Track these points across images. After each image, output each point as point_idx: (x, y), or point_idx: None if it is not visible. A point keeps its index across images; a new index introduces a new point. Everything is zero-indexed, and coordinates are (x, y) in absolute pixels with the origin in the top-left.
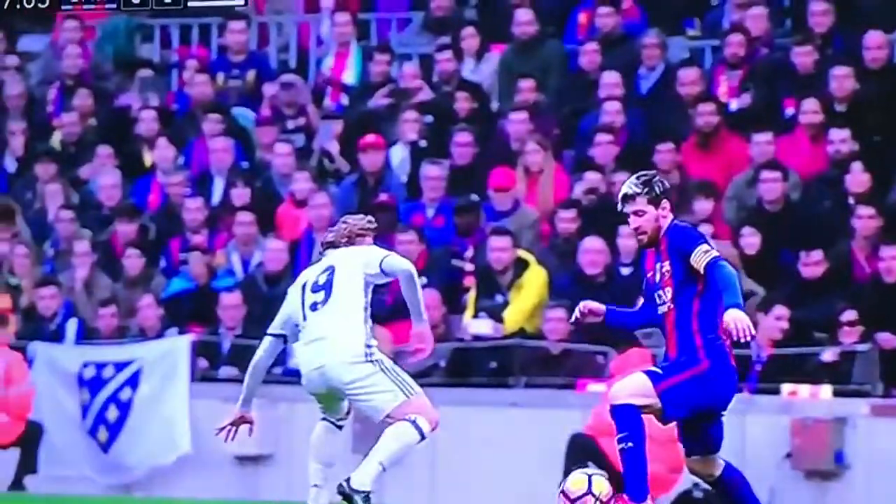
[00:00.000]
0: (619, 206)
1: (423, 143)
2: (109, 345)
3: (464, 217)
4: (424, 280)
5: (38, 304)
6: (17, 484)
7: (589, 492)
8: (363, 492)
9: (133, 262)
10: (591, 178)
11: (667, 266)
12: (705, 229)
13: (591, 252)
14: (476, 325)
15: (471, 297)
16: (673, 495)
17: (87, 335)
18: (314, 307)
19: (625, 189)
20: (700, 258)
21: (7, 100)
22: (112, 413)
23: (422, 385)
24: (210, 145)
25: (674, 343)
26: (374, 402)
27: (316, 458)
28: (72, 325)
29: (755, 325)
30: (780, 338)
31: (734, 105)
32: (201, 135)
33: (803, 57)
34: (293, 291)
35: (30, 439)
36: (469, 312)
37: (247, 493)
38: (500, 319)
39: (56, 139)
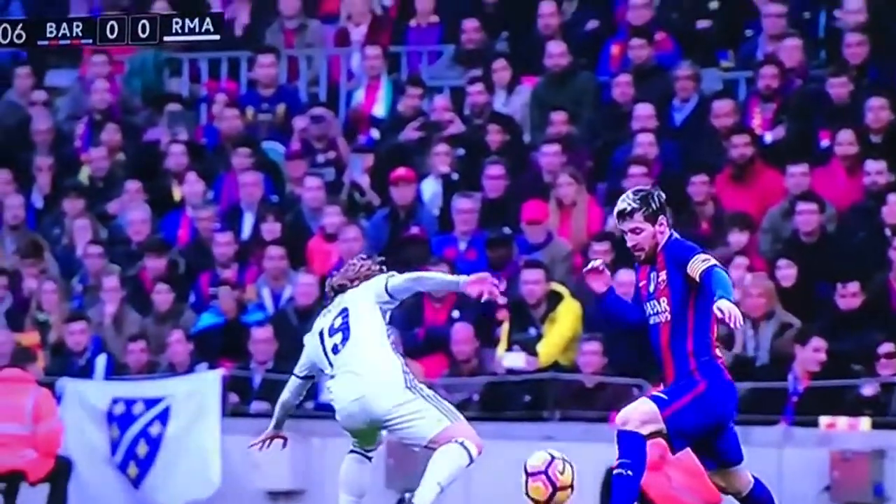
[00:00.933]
0: (616, 223)
1: (454, 176)
2: (139, 380)
3: (496, 250)
4: (457, 313)
5: (68, 340)
6: None
7: (545, 471)
8: None
9: (162, 297)
10: None
11: (663, 276)
12: (740, 262)
13: (625, 285)
14: (510, 359)
15: (504, 330)
16: None
17: (116, 371)
18: (336, 350)
19: (621, 205)
20: (696, 265)
21: (35, 135)
22: (142, 449)
23: None
24: (240, 179)
25: (669, 365)
26: (416, 428)
27: (347, 490)
28: (101, 361)
29: (793, 357)
30: (817, 370)
31: (769, 137)
32: (231, 169)
33: (838, 88)
34: (310, 340)
35: (59, 475)
36: (502, 346)
37: None
38: (533, 353)
39: (84, 174)
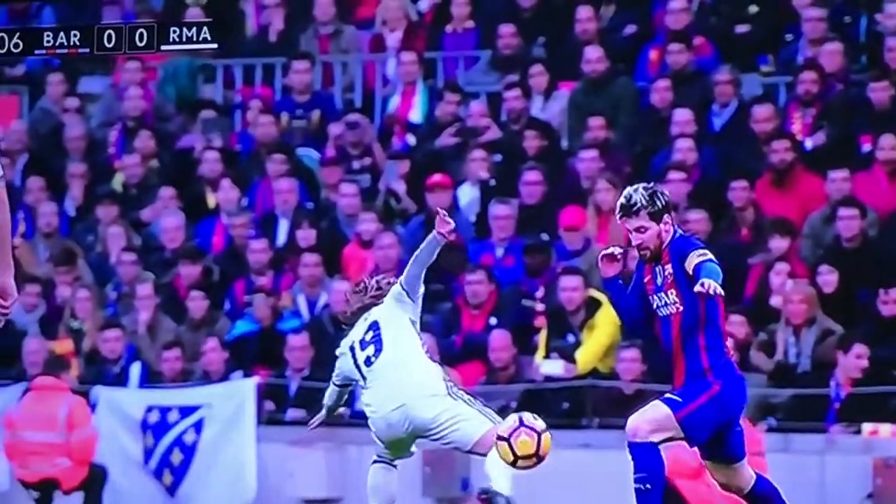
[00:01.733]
0: (618, 216)
1: (491, 182)
2: (174, 388)
3: (534, 256)
4: (494, 320)
5: (102, 348)
6: None
7: (521, 425)
8: (506, 495)
9: (197, 304)
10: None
11: (669, 269)
12: (781, 268)
13: None
14: (547, 366)
15: (542, 337)
16: None
17: (150, 379)
18: (368, 362)
19: (623, 200)
20: (692, 260)
21: (68, 142)
22: (176, 457)
23: None
24: (274, 186)
25: (680, 359)
26: (461, 432)
27: (377, 499)
28: (135, 369)
29: (835, 364)
30: (859, 376)
31: (809, 143)
32: (265, 175)
33: (879, 92)
34: (342, 355)
35: (93, 484)
36: (540, 353)
37: None
38: (571, 360)
39: (118, 181)
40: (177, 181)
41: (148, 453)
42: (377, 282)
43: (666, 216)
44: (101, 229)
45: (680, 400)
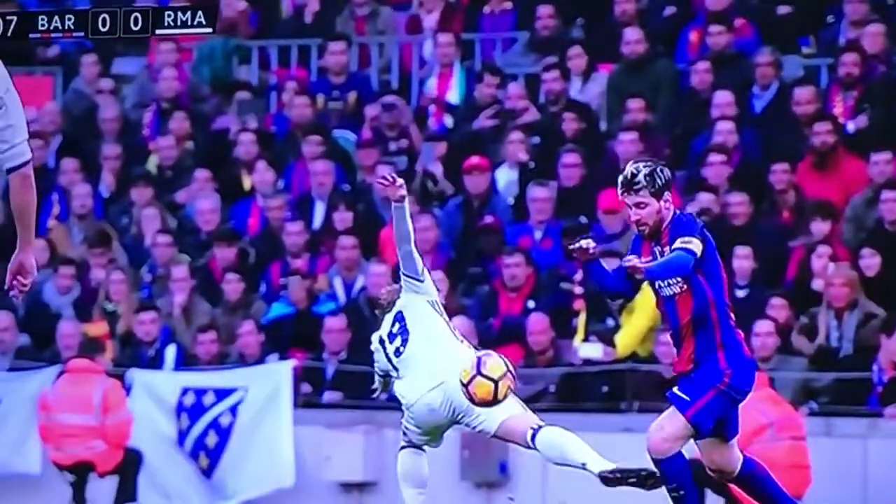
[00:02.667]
0: (619, 191)
1: (530, 165)
2: (209, 371)
3: (572, 239)
4: (532, 304)
5: (137, 330)
6: None
7: (479, 373)
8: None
9: (232, 287)
10: (704, 198)
11: (668, 250)
12: (823, 251)
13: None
14: (586, 350)
15: (581, 320)
16: None
17: (186, 362)
18: (398, 353)
19: (625, 175)
20: (677, 243)
21: (102, 123)
22: (212, 439)
23: (531, 410)
24: (310, 168)
25: (690, 337)
26: (495, 412)
27: (410, 483)
28: (171, 352)
29: (878, 347)
30: None
31: (851, 126)
32: (301, 157)
33: None
34: (376, 351)
35: (128, 467)
36: (579, 336)
37: None
38: (611, 343)
39: (152, 163)
40: (212, 163)
41: (182, 435)
42: (397, 286)
43: (667, 194)
44: (136, 211)
45: (688, 399)
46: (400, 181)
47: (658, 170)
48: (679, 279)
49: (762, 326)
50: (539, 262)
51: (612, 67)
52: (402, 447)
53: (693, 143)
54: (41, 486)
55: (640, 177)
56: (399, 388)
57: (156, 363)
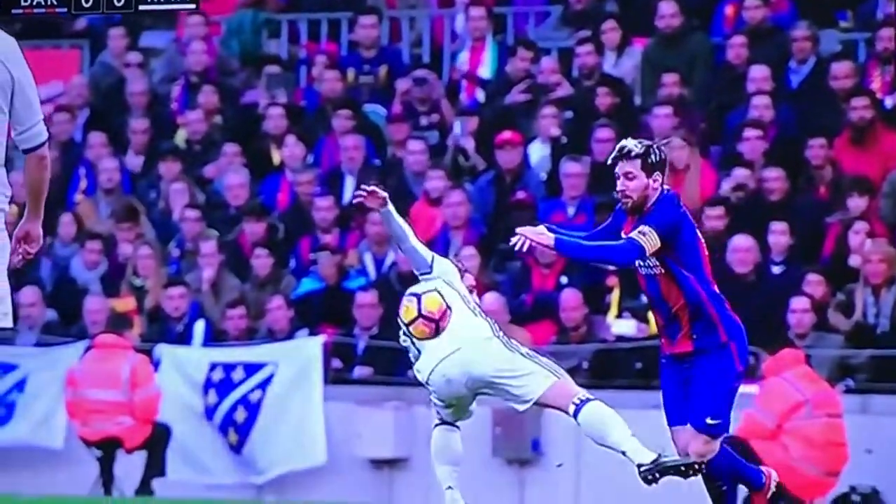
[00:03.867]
0: (611, 160)
1: (562, 140)
2: (238, 346)
3: (606, 215)
4: (565, 279)
5: (165, 305)
6: (144, 487)
7: (420, 315)
8: (658, 463)
9: (262, 262)
10: (740, 174)
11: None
12: (860, 227)
13: (740, 250)
14: (619, 326)
15: (614, 296)
16: (828, 499)
17: (214, 337)
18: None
19: (624, 143)
20: (633, 233)
21: (130, 97)
22: (240, 415)
23: None
24: (340, 143)
25: (685, 318)
26: (524, 386)
27: (443, 461)
28: (199, 327)
29: None
30: None
31: (889, 102)
32: (331, 132)
33: None
34: (401, 334)
35: (157, 442)
36: (612, 313)
37: (382, 499)
38: (644, 320)
39: (180, 137)
40: (241, 137)
41: (210, 410)
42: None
43: (657, 173)
44: (164, 186)
45: (719, 422)
46: (372, 188)
47: (655, 147)
48: (657, 263)
49: (798, 303)
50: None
51: (646, 41)
52: (436, 424)
53: (728, 117)
54: (66, 461)
55: (637, 147)
56: (416, 366)
57: (184, 339)
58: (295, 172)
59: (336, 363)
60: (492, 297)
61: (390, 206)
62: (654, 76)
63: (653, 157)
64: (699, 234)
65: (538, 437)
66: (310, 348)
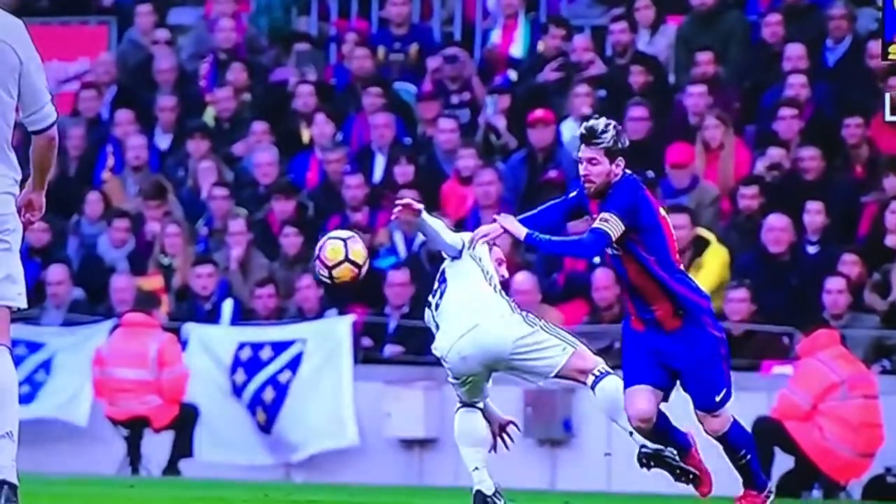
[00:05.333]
0: (580, 140)
1: (595, 118)
2: (267, 325)
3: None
4: (598, 259)
5: (194, 284)
6: (171, 467)
7: (346, 259)
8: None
9: (291, 240)
10: (775, 153)
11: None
12: None
13: (776, 230)
14: None
15: None
16: (864, 480)
17: (243, 316)
18: (437, 307)
19: (592, 125)
20: (595, 222)
21: (157, 74)
22: (269, 395)
23: None
24: (371, 121)
25: (660, 298)
26: (545, 360)
27: (467, 443)
28: (227, 306)
29: None
30: None
31: None
32: (361, 110)
33: None
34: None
35: (184, 422)
36: None
37: (412, 479)
38: None
39: (209, 115)
40: (270, 115)
41: (239, 390)
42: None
43: (620, 159)
44: (192, 164)
45: (725, 392)
46: (407, 201)
47: (621, 132)
48: (620, 249)
49: (834, 283)
50: None
51: (681, 19)
52: (457, 408)
53: (764, 96)
54: (92, 440)
55: (605, 133)
56: (434, 344)
57: (212, 318)
58: (324, 151)
59: (366, 342)
60: (524, 277)
61: (424, 215)
62: (689, 54)
63: (619, 142)
64: (663, 216)
65: (569, 417)
66: (339, 328)
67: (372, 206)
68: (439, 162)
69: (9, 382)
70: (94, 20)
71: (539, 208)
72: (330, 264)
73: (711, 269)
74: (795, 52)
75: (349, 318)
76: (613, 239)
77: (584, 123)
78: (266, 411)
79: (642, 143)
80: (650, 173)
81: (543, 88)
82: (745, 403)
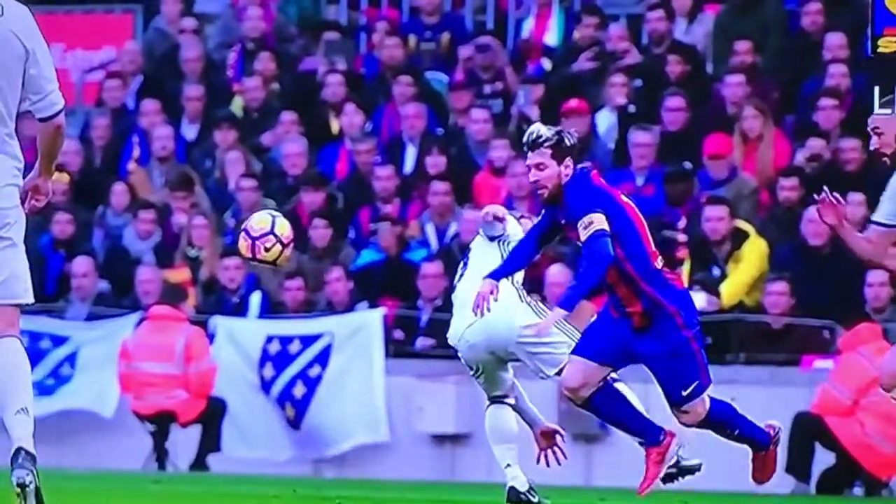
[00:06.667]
0: (524, 149)
1: (631, 108)
2: (296, 318)
3: (676, 186)
4: None
5: (221, 277)
6: (199, 463)
7: (271, 231)
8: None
9: (320, 233)
10: (815, 144)
11: (570, 222)
12: None
13: (815, 222)
14: None
15: (684, 269)
16: None
17: (271, 309)
18: (454, 289)
19: (531, 131)
20: (583, 233)
21: (184, 63)
22: (299, 389)
23: None
24: (401, 111)
25: (620, 289)
26: (549, 354)
27: (498, 440)
28: (255, 299)
29: None
30: None
31: None
32: (392, 100)
33: None
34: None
35: (212, 417)
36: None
37: (444, 474)
38: (716, 293)
39: (237, 105)
40: (299, 105)
41: (268, 385)
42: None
43: (568, 159)
44: (220, 154)
45: (694, 385)
46: (501, 212)
47: (565, 133)
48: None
49: (875, 276)
50: (640, 208)
51: (719, 8)
52: (487, 405)
53: (803, 86)
54: (117, 434)
55: (545, 134)
56: (448, 332)
57: (240, 311)
58: (354, 141)
59: (398, 335)
60: (557, 269)
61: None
62: (727, 43)
63: (564, 142)
64: (626, 202)
65: None
66: (370, 321)
67: (403, 197)
68: (471, 153)
69: (20, 364)
70: (120, 8)
71: (510, 252)
72: (255, 234)
73: (750, 261)
74: (835, 41)
75: (380, 311)
76: (608, 231)
77: (528, 130)
78: (295, 406)
79: (679, 133)
80: (687, 164)
81: (578, 78)
82: (785, 399)
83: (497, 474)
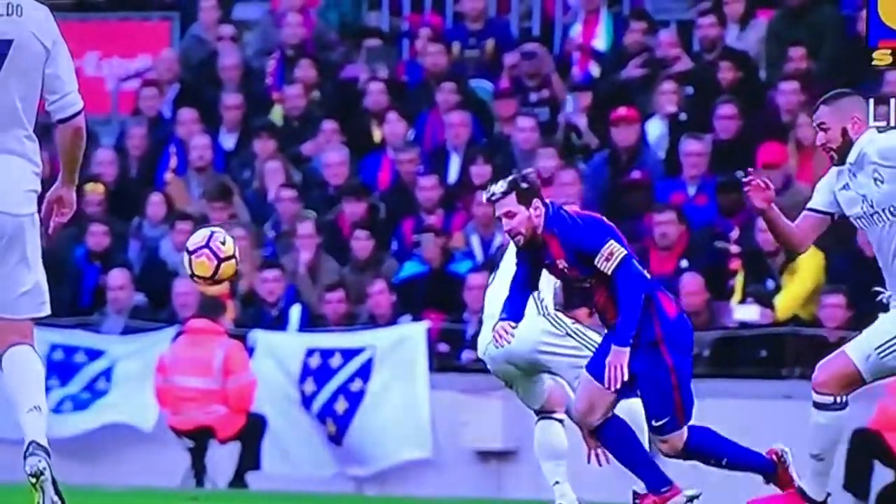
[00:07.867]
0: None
1: (682, 116)
2: (337, 332)
3: (728, 196)
4: (685, 263)
5: (260, 289)
6: (238, 480)
7: (206, 245)
8: None
9: (362, 244)
10: None
11: (563, 263)
12: None
13: None
14: (741, 311)
15: (738, 281)
16: None
17: (312, 322)
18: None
19: (488, 192)
20: (606, 265)
21: (222, 71)
22: (341, 405)
23: None
24: (445, 119)
25: (610, 314)
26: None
27: (546, 457)
28: (295, 312)
29: None
30: None
31: None
32: (435, 108)
33: None
34: None
35: (251, 433)
36: (736, 298)
37: (490, 491)
38: (769, 305)
39: (276, 113)
40: (340, 114)
41: (308, 400)
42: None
43: (535, 200)
44: (259, 164)
45: (665, 421)
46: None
47: (519, 177)
48: (591, 281)
49: None
50: (692, 219)
51: (772, 13)
52: (536, 420)
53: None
54: (154, 450)
55: (500, 189)
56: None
57: (279, 324)
58: (397, 150)
59: (443, 348)
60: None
61: None
62: (780, 49)
63: (522, 185)
64: (609, 225)
65: None
66: (413, 335)
67: (447, 207)
68: (517, 162)
69: (32, 366)
70: (156, 16)
71: (508, 293)
72: (223, 255)
73: (806, 273)
74: None
75: (423, 325)
76: (628, 252)
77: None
78: (336, 422)
79: (732, 142)
80: (740, 174)
81: (627, 85)
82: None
83: (545, 492)
